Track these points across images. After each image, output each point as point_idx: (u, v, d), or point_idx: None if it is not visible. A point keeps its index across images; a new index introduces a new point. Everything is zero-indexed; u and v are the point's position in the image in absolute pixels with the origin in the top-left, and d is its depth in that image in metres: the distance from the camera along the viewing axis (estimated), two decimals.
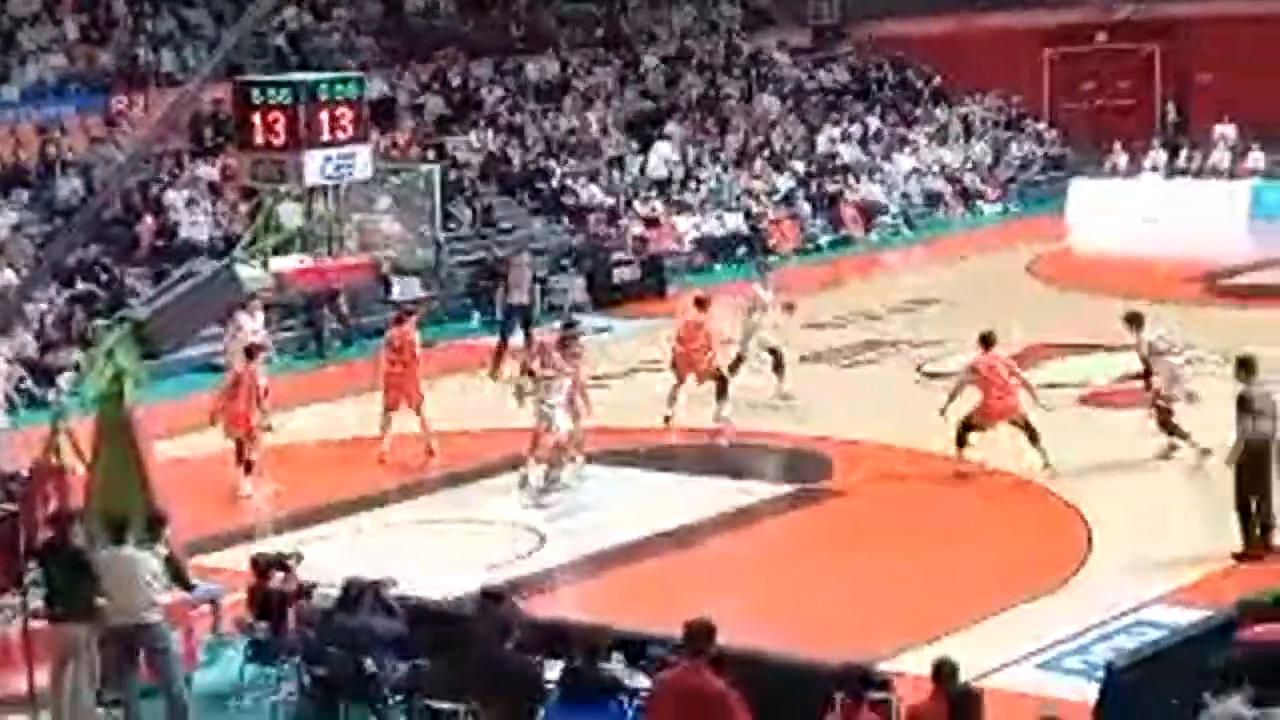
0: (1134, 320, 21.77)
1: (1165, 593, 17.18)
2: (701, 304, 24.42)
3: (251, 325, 24.81)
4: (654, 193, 38.17)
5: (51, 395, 25.40)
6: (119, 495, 16.32)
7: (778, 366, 25.07)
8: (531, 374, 21.82)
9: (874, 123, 43.89)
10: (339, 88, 17.93)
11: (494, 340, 28.23)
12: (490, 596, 14.18)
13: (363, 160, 17.79)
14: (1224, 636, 13.27)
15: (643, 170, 39.02)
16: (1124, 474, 21.11)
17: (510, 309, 28.47)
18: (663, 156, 39.41)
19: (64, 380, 26.27)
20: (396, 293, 31.33)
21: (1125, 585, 17.48)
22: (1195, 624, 14.28)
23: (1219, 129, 41.56)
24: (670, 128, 40.62)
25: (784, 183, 40.10)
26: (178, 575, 15.91)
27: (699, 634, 11.70)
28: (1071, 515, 19.72)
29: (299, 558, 16.43)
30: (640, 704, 12.85)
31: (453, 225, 33.73)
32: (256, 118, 17.64)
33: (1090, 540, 18.92)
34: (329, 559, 18.47)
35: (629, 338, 30.46)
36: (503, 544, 19.77)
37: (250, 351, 22.61)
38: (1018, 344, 27.29)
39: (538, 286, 31.00)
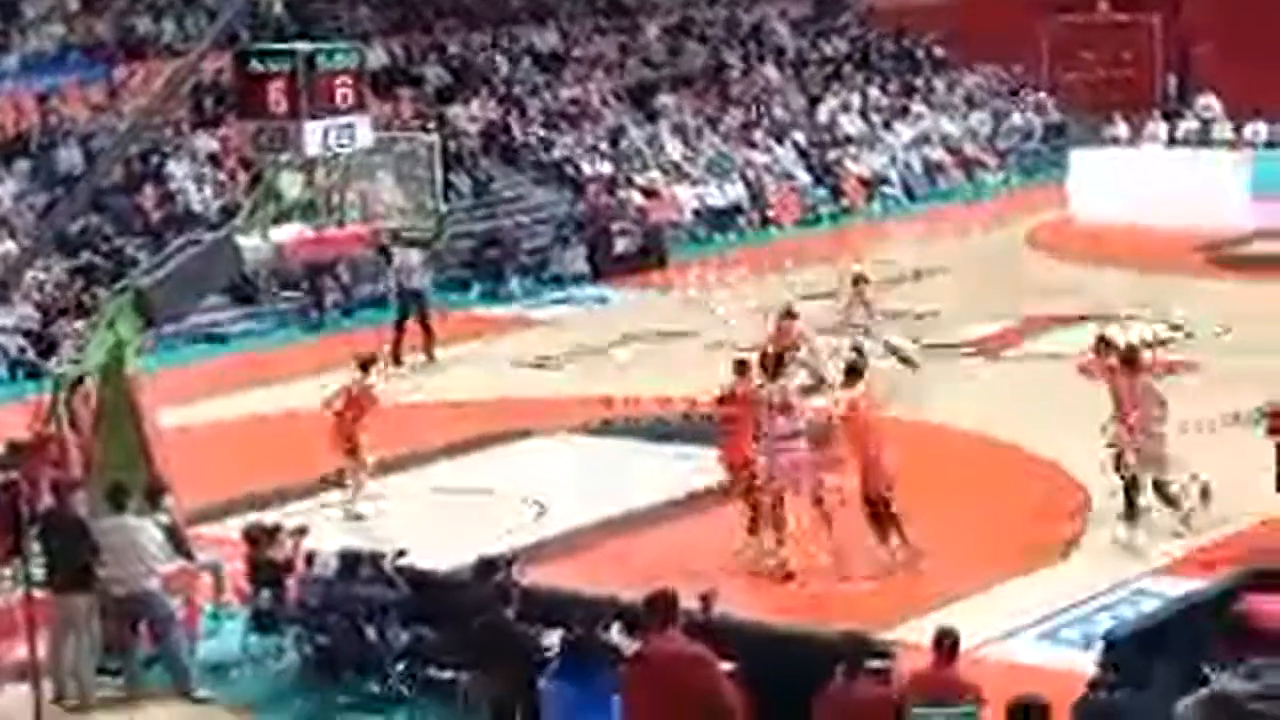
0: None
1: (1164, 564, 17.22)
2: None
3: None
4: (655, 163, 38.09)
5: (52, 365, 25.37)
6: (119, 464, 16.35)
7: None
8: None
9: (874, 93, 43.80)
10: (338, 57, 17.84)
11: (491, 312, 28.41)
12: (489, 565, 14.19)
13: (363, 130, 17.72)
14: (1223, 607, 13.34)
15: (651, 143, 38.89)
16: None
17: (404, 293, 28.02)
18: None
19: (64, 350, 26.23)
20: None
21: (1124, 556, 17.52)
22: (1194, 594, 14.30)
23: (1201, 100, 41.46)
24: (671, 98, 40.57)
25: (785, 153, 40.02)
26: (179, 544, 15.96)
27: (663, 605, 11.64)
28: (1071, 487, 19.72)
29: (304, 531, 16.47)
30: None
31: (453, 196, 33.67)
32: (256, 87, 17.58)
33: (1090, 511, 18.92)
34: (331, 529, 18.58)
35: (630, 307, 30.41)
36: (504, 514, 19.80)
37: None
38: (1018, 314, 27.44)
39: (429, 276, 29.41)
